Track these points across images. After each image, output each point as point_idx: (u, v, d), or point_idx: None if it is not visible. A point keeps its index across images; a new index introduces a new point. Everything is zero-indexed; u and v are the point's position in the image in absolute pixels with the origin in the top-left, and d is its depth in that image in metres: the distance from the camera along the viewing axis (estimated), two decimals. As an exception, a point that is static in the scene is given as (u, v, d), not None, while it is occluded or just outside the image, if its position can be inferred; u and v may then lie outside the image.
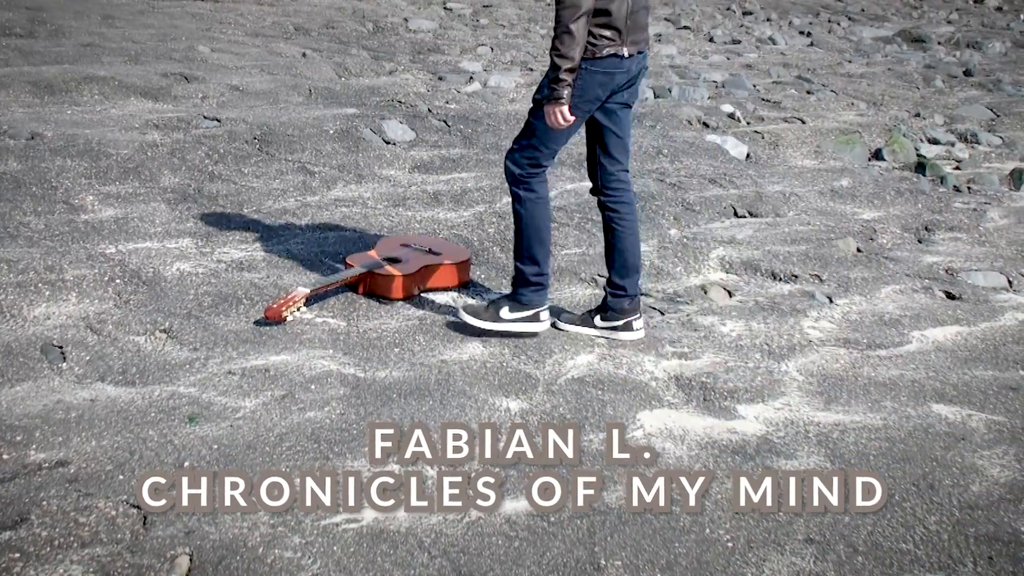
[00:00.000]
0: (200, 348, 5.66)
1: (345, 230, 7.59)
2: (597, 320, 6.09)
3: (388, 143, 9.82)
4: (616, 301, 6.04)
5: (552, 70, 5.39)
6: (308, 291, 6.03)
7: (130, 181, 8.28)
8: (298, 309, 5.95)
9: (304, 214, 7.90)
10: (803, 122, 11.63)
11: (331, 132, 9.73)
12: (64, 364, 5.41)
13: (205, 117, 9.99)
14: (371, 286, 6.42)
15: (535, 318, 5.96)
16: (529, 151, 5.78)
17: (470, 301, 6.32)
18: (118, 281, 6.38)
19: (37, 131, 8.96)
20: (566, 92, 5.41)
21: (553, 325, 6.10)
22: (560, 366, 5.69)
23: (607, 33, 5.50)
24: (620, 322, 6.05)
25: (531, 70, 14.34)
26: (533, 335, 5.98)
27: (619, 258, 5.99)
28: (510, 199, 5.92)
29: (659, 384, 5.56)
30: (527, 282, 5.92)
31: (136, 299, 6.21)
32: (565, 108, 5.45)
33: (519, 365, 5.66)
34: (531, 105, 5.74)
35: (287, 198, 8.27)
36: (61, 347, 5.54)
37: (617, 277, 6.01)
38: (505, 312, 5.93)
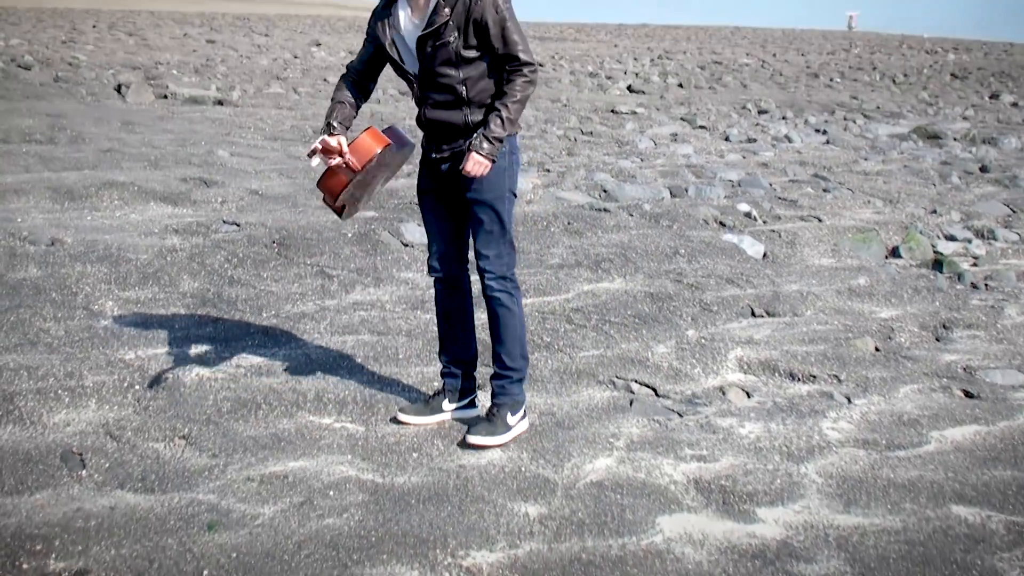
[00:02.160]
0: (219, 454, 5.67)
1: (363, 334, 7.62)
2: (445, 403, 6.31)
3: (406, 245, 9.88)
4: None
5: (498, 132, 5.60)
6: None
7: (149, 286, 8.34)
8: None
9: (323, 318, 7.94)
10: (820, 220, 11.67)
11: (349, 235, 9.80)
12: (84, 471, 5.42)
13: (224, 221, 10.08)
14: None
15: (526, 413, 6.13)
16: (507, 247, 5.94)
17: (471, 419, 6.24)
18: (137, 387, 6.41)
19: (57, 237, 9.05)
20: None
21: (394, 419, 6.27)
22: (579, 470, 5.68)
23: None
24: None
25: (547, 171, 14.44)
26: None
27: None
28: (493, 310, 5.99)
29: (678, 488, 5.54)
30: (521, 379, 6.10)
31: (155, 405, 6.22)
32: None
33: (537, 469, 5.65)
34: (484, 206, 5.81)
35: (306, 302, 8.31)
36: (80, 454, 5.55)
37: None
38: (510, 418, 5.99)
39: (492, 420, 5.97)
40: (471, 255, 6.03)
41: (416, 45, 5.66)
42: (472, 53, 5.61)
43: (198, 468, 5.52)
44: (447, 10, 5.53)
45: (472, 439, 5.88)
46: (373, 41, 5.84)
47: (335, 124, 5.74)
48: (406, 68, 5.78)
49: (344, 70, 6.01)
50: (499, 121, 5.57)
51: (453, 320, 6.23)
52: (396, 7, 5.74)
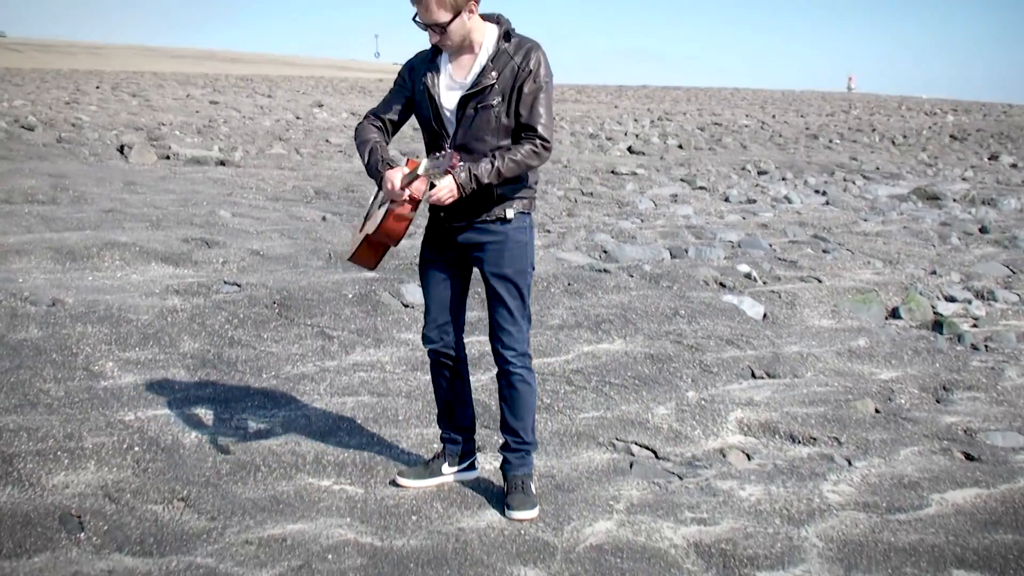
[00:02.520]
0: (218, 517, 5.65)
1: (363, 395, 7.62)
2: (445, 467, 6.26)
3: (407, 306, 9.90)
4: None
5: (482, 175, 5.40)
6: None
7: (150, 347, 8.35)
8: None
9: (322, 379, 7.94)
10: (820, 281, 11.69)
11: (350, 296, 9.82)
12: (82, 534, 5.40)
13: (225, 282, 10.10)
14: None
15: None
16: (526, 322, 5.85)
17: (505, 495, 6.02)
18: (137, 449, 6.40)
19: (58, 297, 9.07)
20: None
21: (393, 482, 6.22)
22: (578, 533, 5.66)
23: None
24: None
25: (548, 231, 14.48)
26: None
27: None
28: (512, 386, 5.90)
29: (678, 552, 5.52)
30: (532, 450, 6.09)
31: (154, 467, 6.21)
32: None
33: (537, 532, 5.63)
34: (506, 281, 5.70)
35: (306, 363, 8.32)
36: (79, 517, 5.54)
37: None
38: (533, 487, 6.00)
39: (525, 491, 5.90)
40: (464, 325, 5.99)
41: (457, 105, 5.49)
42: (511, 123, 5.49)
43: (196, 531, 5.50)
44: (494, 73, 5.41)
45: (518, 515, 5.78)
46: (405, 92, 5.68)
47: (390, 162, 5.50)
48: (444, 126, 5.55)
49: (365, 117, 5.79)
50: (489, 167, 5.39)
51: (451, 390, 6.12)
52: (440, 60, 5.59)
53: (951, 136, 41.40)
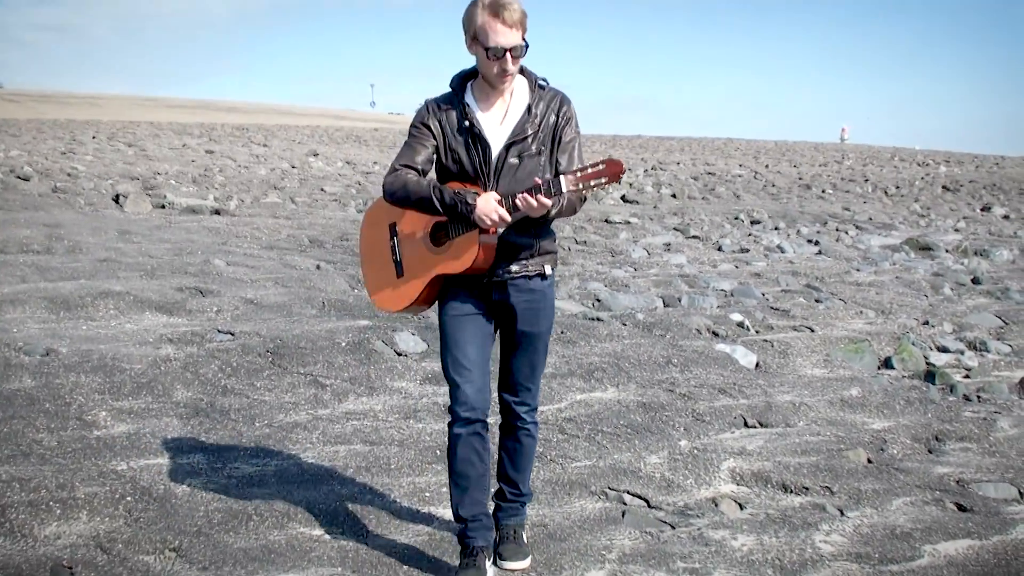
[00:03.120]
0: (209, 567, 5.64)
1: (356, 444, 7.62)
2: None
3: (400, 355, 9.91)
4: None
5: (553, 204, 5.08)
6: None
7: (143, 396, 8.36)
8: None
9: (315, 427, 7.94)
10: (812, 331, 11.71)
11: (343, 344, 9.83)
12: (73, 584, 5.39)
13: (219, 331, 10.12)
14: None
15: None
16: (541, 379, 5.77)
17: (497, 545, 5.80)
18: (129, 498, 6.39)
19: (52, 347, 9.08)
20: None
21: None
22: (570, 583, 5.66)
23: None
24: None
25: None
26: None
27: None
28: (520, 441, 5.77)
29: (670, 601, 5.52)
30: (527, 501, 6.02)
31: (146, 516, 6.20)
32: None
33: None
34: (538, 338, 5.54)
35: (299, 412, 8.32)
36: (71, 567, 5.52)
37: None
38: (525, 537, 5.95)
39: (518, 541, 5.80)
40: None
41: (501, 152, 5.27)
42: (551, 172, 5.32)
43: (188, 580, 5.49)
44: (538, 120, 5.29)
45: (510, 565, 5.69)
46: (429, 139, 5.33)
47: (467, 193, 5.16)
48: (488, 172, 5.27)
49: (393, 171, 5.35)
50: (557, 200, 5.08)
51: (484, 463, 5.57)
52: (468, 105, 5.34)
53: (944, 187, 41.55)
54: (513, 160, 5.27)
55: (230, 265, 14.23)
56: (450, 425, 5.49)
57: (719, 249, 19.98)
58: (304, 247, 17.22)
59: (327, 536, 6.11)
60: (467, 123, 5.27)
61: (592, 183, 5.05)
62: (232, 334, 10.03)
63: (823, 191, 36.87)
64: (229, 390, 8.67)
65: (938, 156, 74.36)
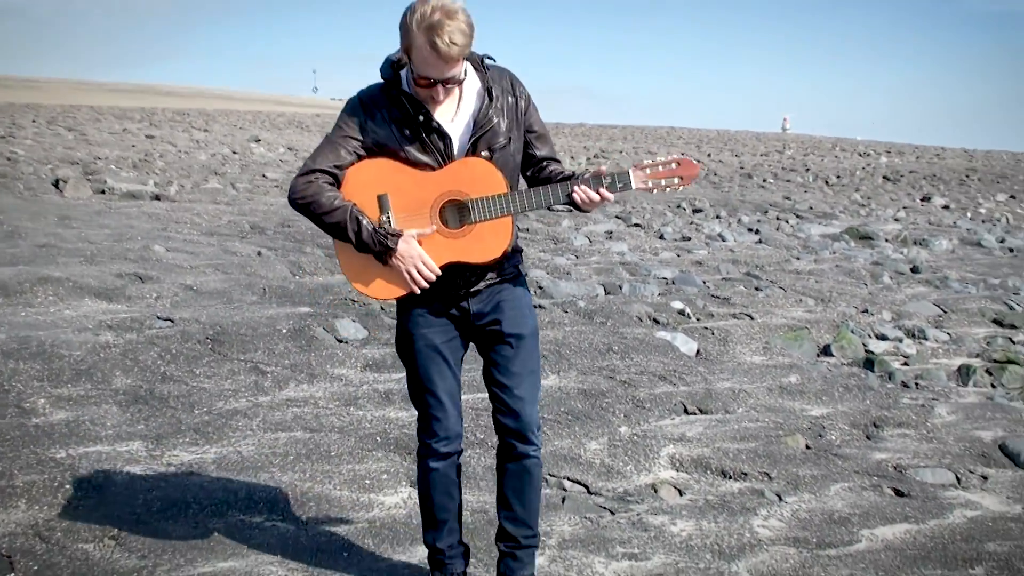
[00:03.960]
0: (148, 555, 5.60)
1: (296, 431, 7.59)
2: None
3: (341, 341, 9.88)
4: None
5: None
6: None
7: (82, 383, 8.28)
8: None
9: (255, 415, 7.90)
10: (752, 318, 11.78)
11: (284, 331, 9.79)
12: (12, 575, 5.34)
13: (159, 317, 10.05)
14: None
15: None
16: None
17: None
18: (68, 487, 6.33)
19: (-11, 333, 8.98)
20: None
21: None
22: (510, 569, 5.66)
23: None
24: None
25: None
26: None
27: None
28: (527, 471, 5.02)
29: (609, 586, 5.54)
30: (538, 543, 5.27)
31: (85, 505, 6.15)
32: None
33: (469, 568, 5.62)
34: (525, 340, 4.89)
35: (238, 399, 8.28)
36: (9, 556, 5.47)
37: None
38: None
39: None
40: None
41: (467, 148, 4.60)
42: (520, 159, 4.79)
43: (127, 570, 5.45)
44: (499, 105, 4.66)
45: None
46: (359, 139, 4.58)
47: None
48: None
49: (309, 173, 4.57)
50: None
51: (459, 493, 5.13)
52: (413, 96, 4.55)
53: (884, 177, 41.88)
54: (484, 155, 4.62)
55: (170, 251, 14.12)
56: (424, 459, 4.96)
57: (660, 237, 20.05)
58: (245, 233, 17.11)
59: (267, 524, 6.08)
60: (421, 117, 4.51)
61: (664, 182, 4.72)
62: (172, 321, 9.96)
63: (764, 180, 37.07)
64: (169, 377, 8.61)
65: (879, 147, 74.96)
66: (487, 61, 4.68)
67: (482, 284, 4.77)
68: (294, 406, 8.17)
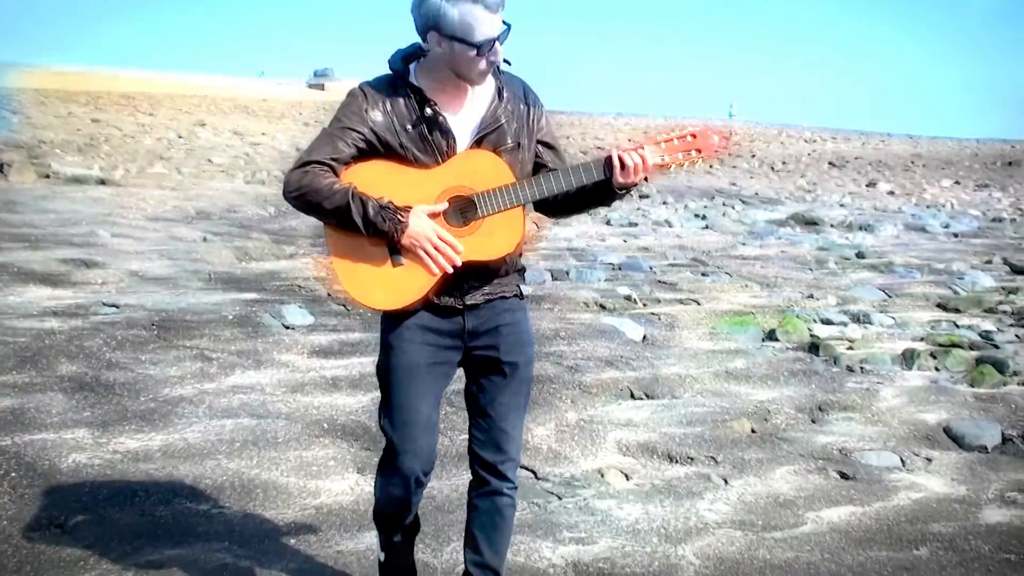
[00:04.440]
0: (95, 543, 5.56)
1: (243, 417, 7.57)
2: None
3: (287, 328, 9.85)
4: None
5: None
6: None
7: (27, 370, 8.22)
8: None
9: (201, 401, 7.87)
10: (698, 304, 11.85)
11: (230, 317, 9.76)
12: (-46, 562, 5.31)
13: (104, 303, 9.99)
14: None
15: None
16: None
17: None
18: (13, 474, 6.29)
19: (-68, 320, 8.89)
20: None
21: None
22: (458, 554, 5.66)
23: None
24: None
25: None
26: None
27: None
28: (501, 512, 4.77)
29: (556, 571, 5.56)
30: None
31: (31, 493, 6.11)
32: None
33: (417, 554, 5.61)
34: (519, 369, 4.46)
35: (184, 385, 8.23)
36: (-49, 544, 5.44)
37: None
38: None
39: None
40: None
41: (471, 146, 4.27)
42: (531, 166, 4.43)
43: (74, 558, 5.41)
44: (509, 106, 4.34)
45: None
46: (363, 135, 4.18)
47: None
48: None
49: (305, 164, 4.16)
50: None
51: (413, 518, 4.86)
52: (422, 90, 4.24)
53: (830, 163, 42.23)
54: None
55: (115, 237, 14.04)
56: (389, 486, 4.51)
57: (607, 223, 20.11)
58: (191, 218, 17.03)
59: (214, 511, 6.06)
60: (428, 111, 4.17)
61: (681, 156, 4.41)
62: (117, 307, 9.90)
63: (710, 166, 37.20)
64: (114, 364, 8.55)
65: (825, 133, 75.45)
66: (503, 65, 4.32)
67: (480, 297, 4.34)
68: (240, 392, 8.14)
